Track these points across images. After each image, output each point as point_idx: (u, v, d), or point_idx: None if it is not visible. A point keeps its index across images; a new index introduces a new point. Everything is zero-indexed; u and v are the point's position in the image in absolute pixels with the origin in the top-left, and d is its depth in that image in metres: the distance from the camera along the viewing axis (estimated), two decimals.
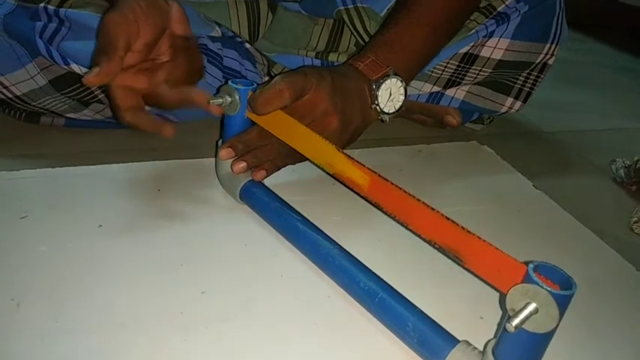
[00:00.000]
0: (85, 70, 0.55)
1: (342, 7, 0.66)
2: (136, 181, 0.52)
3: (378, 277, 0.39)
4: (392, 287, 0.38)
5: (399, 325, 0.36)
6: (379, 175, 0.38)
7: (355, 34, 0.67)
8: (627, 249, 0.51)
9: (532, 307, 0.28)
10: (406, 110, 0.75)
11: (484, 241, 0.32)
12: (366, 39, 0.67)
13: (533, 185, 0.61)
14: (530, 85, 0.71)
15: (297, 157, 0.49)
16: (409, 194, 0.36)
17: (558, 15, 0.67)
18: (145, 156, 0.56)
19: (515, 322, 0.28)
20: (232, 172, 0.48)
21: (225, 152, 0.48)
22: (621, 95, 1.06)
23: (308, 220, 0.45)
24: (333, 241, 0.42)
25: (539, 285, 0.28)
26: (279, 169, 0.51)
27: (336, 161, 0.41)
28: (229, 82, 0.47)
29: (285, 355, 0.35)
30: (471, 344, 0.34)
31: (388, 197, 0.37)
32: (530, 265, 0.29)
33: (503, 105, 0.72)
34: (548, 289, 0.27)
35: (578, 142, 0.78)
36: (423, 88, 0.70)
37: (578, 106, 0.95)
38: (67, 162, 0.53)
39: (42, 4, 0.54)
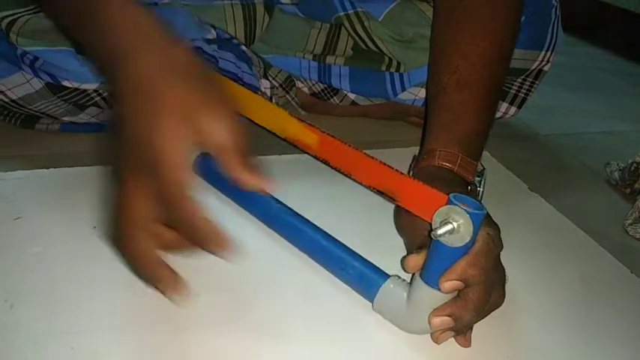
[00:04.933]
0: (76, 84, 0.56)
1: (342, 13, 0.66)
2: None
3: (322, 230, 0.42)
4: (335, 239, 0.41)
5: (343, 268, 0.40)
6: (327, 134, 0.41)
7: (356, 37, 0.67)
8: (622, 251, 0.52)
9: (453, 224, 0.33)
10: (403, 114, 0.75)
11: (414, 179, 0.37)
12: (367, 41, 0.68)
13: (529, 188, 0.62)
14: (525, 91, 0.71)
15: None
16: (352, 147, 0.39)
17: (554, 23, 0.67)
18: None
19: (440, 231, 0.32)
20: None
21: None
22: (615, 98, 1.07)
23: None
24: (280, 202, 0.44)
25: (458, 206, 0.32)
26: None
27: (288, 125, 0.43)
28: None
29: (284, 355, 0.35)
30: (400, 277, 0.39)
31: (334, 153, 0.41)
32: (451, 195, 0.34)
33: (498, 110, 0.72)
34: (465, 208, 0.32)
35: (572, 144, 0.79)
36: (419, 93, 0.70)
37: (572, 109, 0.96)
38: (62, 163, 0.53)
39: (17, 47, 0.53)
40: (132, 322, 0.36)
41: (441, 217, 0.33)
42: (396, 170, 0.38)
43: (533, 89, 0.71)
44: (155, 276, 0.33)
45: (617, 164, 0.67)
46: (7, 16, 0.53)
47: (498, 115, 0.73)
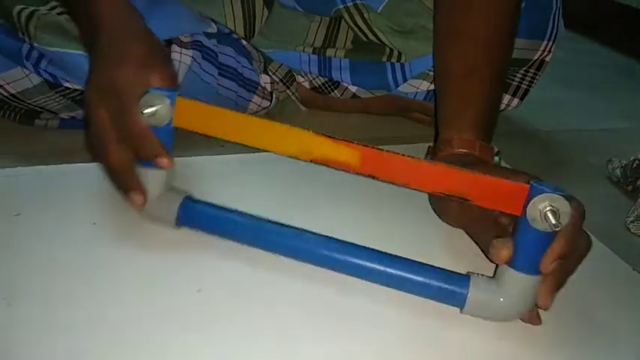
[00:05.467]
0: (77, 86, 0.55)
1: (341, 6, 0.66)
2: None
3: (370, 249, 0.40)
4: (384, 253, 0.40)
5: (418, 283, 0.38)
6: (370, 147, 0.37)
7: (356, 29, 0.67)
8: (624, 248, 0.51)
9: (550, 206, 0.33)
10: (404, 109, 0.75)
11: (484, 175, 0.35)
12: (368, 33, 0.67)
13: None
14: (527, 83, 0.71)
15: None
16: (404, 156, 0.36)
17: (555, 12, 0.67)
18: None
19: (553, 221, 0.33)
20: None
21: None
22: (617, 95, 1.07)
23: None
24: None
25: (551, 192, 0.33)
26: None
27: (316, 146, 0.38)
28: (150, 90, 0.40)
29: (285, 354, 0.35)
30: (477, 273, 0.39)
31: (384, 167, 0.37)
32: (532, 182, 0.34)
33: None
34: (560, 193, 0.34)
35: (574, 141, 0.78)
36: (421, 86, 0.69)
37: (574, 106, 0.95)
38: (61, 160, 0.52)
39: (23, 45, 0.53)
40: (132, 320, 0.36)
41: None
42: (462, 170, 0.36)
43: (535, 81, 0.71)
44: (127, 183, 0.42)
45: (619, 161, 0.67)
46: (25, 9, 0.52)
47: (501, 106, 0.73)
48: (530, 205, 0.34)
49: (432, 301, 0.39)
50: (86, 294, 0.37)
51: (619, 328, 0.42)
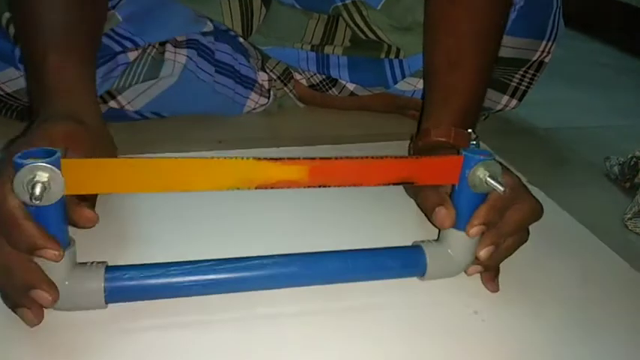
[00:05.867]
0: None
1: (339, 4, 0.65)
2: None
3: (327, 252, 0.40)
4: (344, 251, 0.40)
5: (379, 267, 0.40)
6: (315, 159, 0.36)
7: (355, 27, 0.67)
8: (621, 246, 0.51)
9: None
10: (401, 107, 0.75)
11: (425, 157, 0.39)
12: (366, 30, 0.67)
13: (528, 181, 0.61)
14: (526, 84, 0.71)
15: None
16: (348, 159, 0.37)
17: (555, 12, 0.67)
18: (136, 149, 0.55)
19: (497, 185, 0.37)
20: None
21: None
22: (616, 93, 1.06)
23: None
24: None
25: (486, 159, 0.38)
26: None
27: (259, 172, 0.34)
28: (23, 164, 0.30)
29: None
30: (425, 240, 0.42)
31: (332, 174, 0.37)
32: (462, 150, 0.39)
33: (499, 103, 0.72)
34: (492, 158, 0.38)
35: (572, 139, 0.78)
36: (418, 84, 0.69)
37: (572, 104, 0.95)
38: None
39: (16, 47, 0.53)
40: (135, 314, 0.36)
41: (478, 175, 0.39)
42: (400, 157, 0.38)
43: (534, 82, 0.71)
44: (26, 280, 0.32)
45: (617, 159, 0.67)
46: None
47: (499, 107, 0.73)
48: (470, 172, 0.38)
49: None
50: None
51: (617, 326, 0.41)
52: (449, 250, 0.41)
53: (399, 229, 0.48)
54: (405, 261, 0.41)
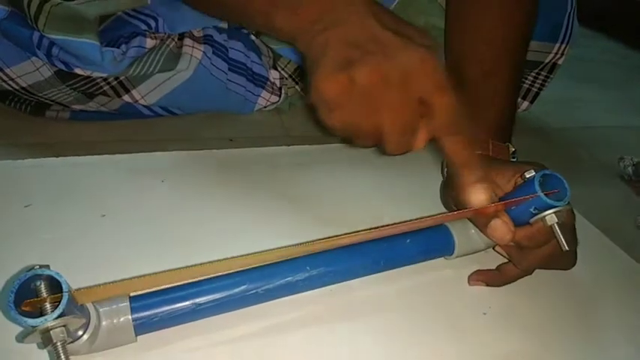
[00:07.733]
0: (88, 71, 0.55)
1: None
2: (140, 172, 0.52)
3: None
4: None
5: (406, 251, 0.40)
6: (363, 232, 0.35)
7: None
8: (634, 247, 0.51)
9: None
10: None
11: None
12: None
13: None
14: (539, 85, 0.70)
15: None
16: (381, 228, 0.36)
17: (569, 14, 0.66)
18: (150, 147, 0.56)
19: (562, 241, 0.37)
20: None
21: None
22: (630, 92, 1.05)
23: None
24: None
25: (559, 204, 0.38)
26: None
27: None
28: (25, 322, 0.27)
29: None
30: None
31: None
32: (536, 186, 0.39)
33: None
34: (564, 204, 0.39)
35: (586, 138, 0.78)
36: None
37: (586, 103, 0.94)
38: (72, 152, 0.53)
39: (33, 32, 0.52)
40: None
41: None
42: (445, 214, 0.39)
43: (546, 84, 0.70)
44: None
45: (631, 159, 0.66)
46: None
47: None
48: (540, 215, 0.38)
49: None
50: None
51: (628, 326, 0.41)
52: (472, 231, 0.42)
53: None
54: (433, 243, 0.42)
